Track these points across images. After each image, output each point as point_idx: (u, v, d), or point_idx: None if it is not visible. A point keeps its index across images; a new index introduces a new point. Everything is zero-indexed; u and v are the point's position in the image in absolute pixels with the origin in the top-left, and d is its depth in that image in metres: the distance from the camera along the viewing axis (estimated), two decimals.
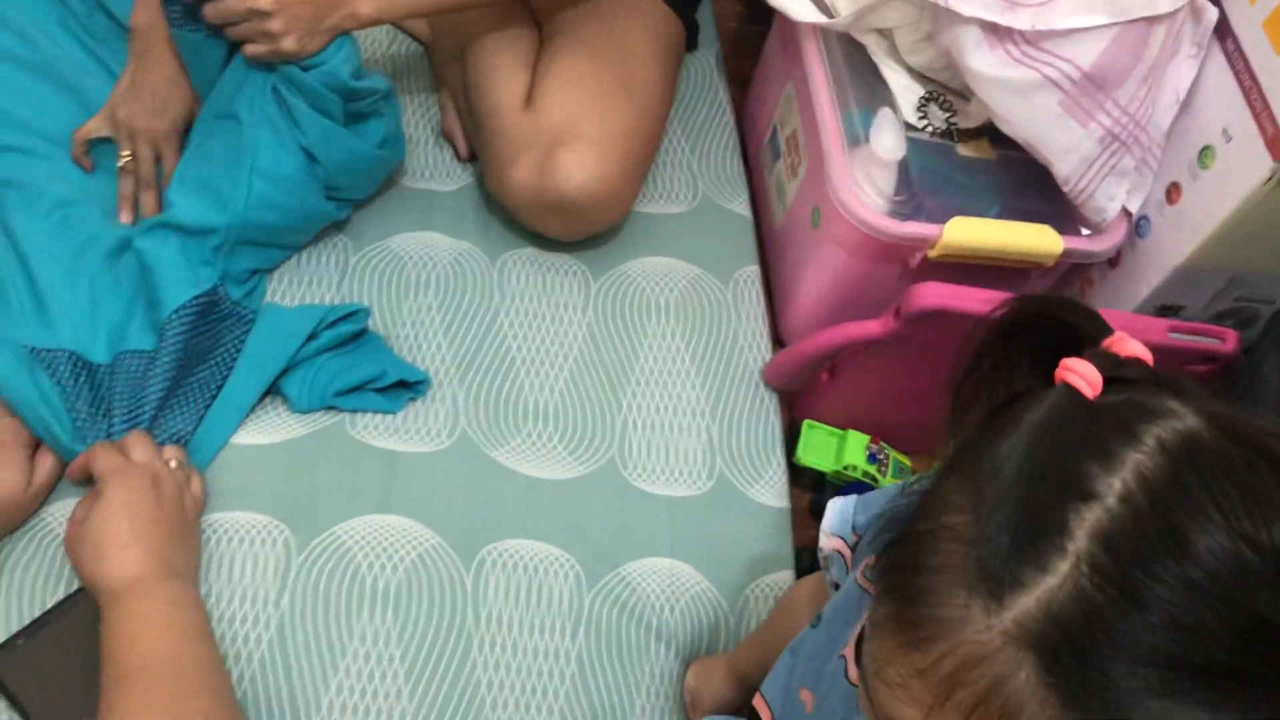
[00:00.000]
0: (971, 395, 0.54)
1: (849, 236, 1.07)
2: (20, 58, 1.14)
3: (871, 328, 1.04)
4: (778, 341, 1.20)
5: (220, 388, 1.00)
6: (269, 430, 0.99)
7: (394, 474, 0.98)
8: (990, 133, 1.12)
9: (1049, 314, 0.53)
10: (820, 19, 1.11)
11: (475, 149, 1.19)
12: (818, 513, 1.16)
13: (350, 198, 1.11)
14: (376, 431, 1.00)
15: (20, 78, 1.13)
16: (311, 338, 1.01)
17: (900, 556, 0.48)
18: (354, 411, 1.01)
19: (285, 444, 0.98)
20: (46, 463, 0.92)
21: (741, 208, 1.25)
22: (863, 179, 1.06)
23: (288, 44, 0.99)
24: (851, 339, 1.05)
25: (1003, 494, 0.45)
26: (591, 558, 0.98)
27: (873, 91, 1.13)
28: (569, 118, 1.09)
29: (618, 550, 0.99)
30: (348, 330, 1.03)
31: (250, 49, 1.01)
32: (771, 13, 1.20)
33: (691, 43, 1.31)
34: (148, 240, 1.03)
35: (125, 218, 1.09)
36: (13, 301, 1.00)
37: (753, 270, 1.21)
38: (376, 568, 0.93)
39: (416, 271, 1.12)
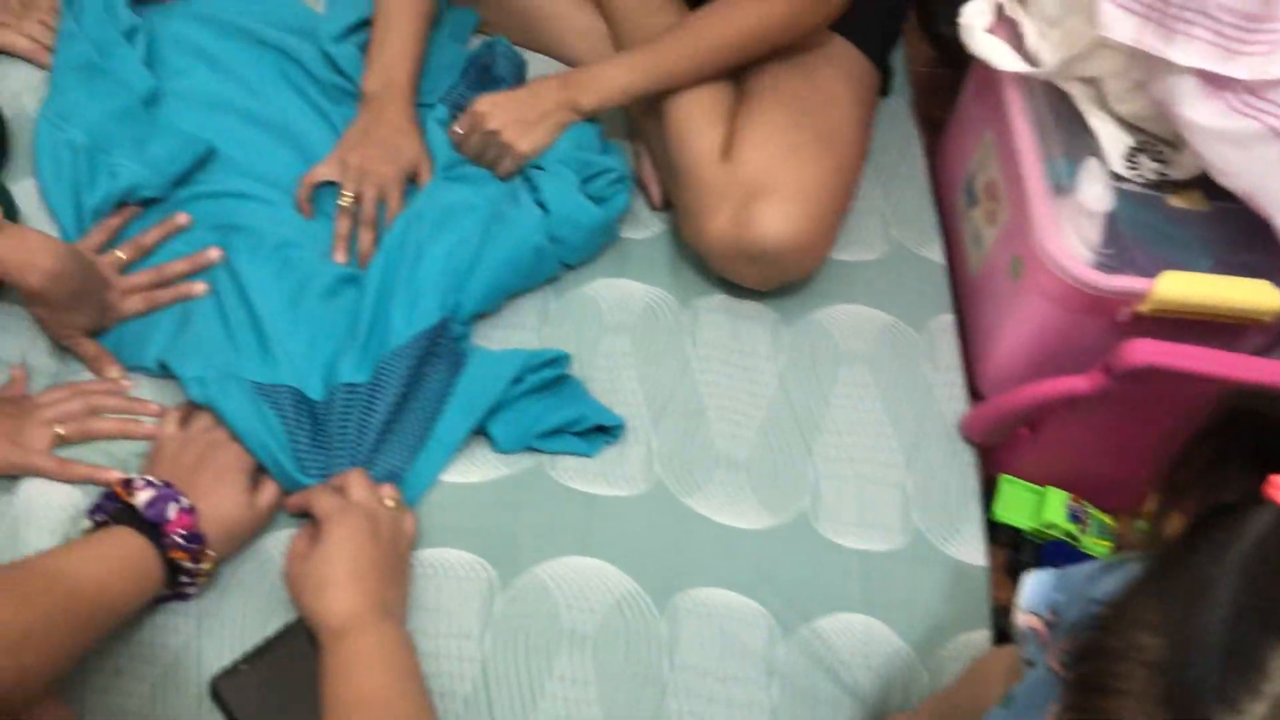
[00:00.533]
0: (1180, 490, 0.53)
1: (1053, 288, 1.04)
2: (246, 109, 1.22)
3: (1078, 384, 1.01)
4: (974, 392, 1.17)
5: (429, 425, 1.04)
6: (474, 469, 1.02)
7: (592, 517, 1.00)
8: (1204, 184, 1.08)
9: (1264, 414, 0.51)
10: (1024, 68, 1.10)
11: (670, 198, 1.21)
12: (1015, 571, 1.13)
13: (572, 262, 1.16)
14: (575, 474, 1.03)
15: (246, 128, 1.21)
16: (515, 381, 1.05)
17: (1087, 673, 0.46)
18: (554, 454, 1.04)
19: (489, 483, 1.01)
20: (268, 490, 0.97)
21: (935, 254, 1.24)
22: (1069, 230, 1.04)
23: (523, 147, 1.11)
24: (1057, 395, 1.02)
25: (1198, 623, 0.43)
26: (784, 610, 0.97)
27: (1077, 140, 1.11)
28: (767, 170, 1.10)
29: (810, 603, 0.98)
30: (550, 375, 1.05)
31: (501, 168, 1.14)
32: (965, 57, 1.19)
33: (885, 88, 1.31)
34: (380, 275, 1.08)
35: (340, 257, 1.14)
36: (239, 340, 1.06)
37: (948, 319, 1.19)
38: (575, 609, 0.95)
39: (612, 317, 1.14)
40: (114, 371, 1.05)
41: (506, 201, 1.13)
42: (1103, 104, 1.10)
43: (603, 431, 1.05)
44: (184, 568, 0.87)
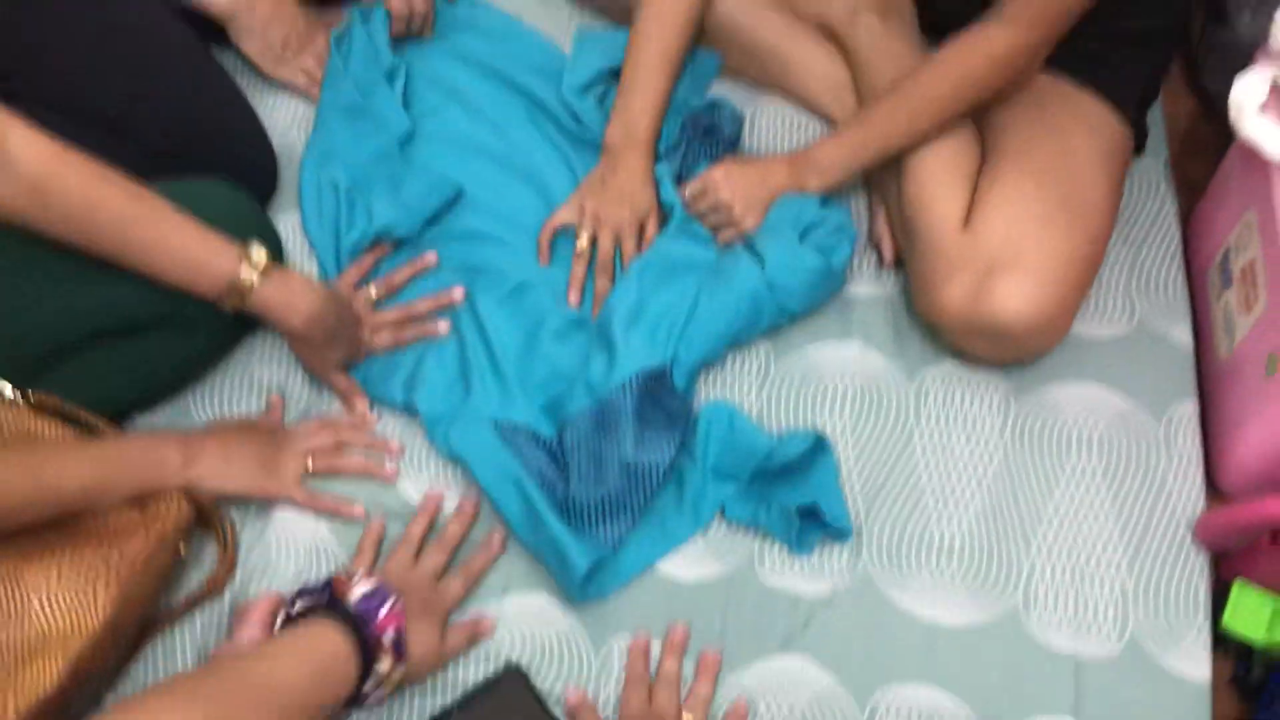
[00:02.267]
0: None
1: None
2: (493, 151, 1.27)
3: None
4: (1212, 488, 1.11)
5: (656, 485, 1.06)
6: (683, 561, 1.05)
7: (795, 616, 1.02)
8: None
9: None
10: None
11: (904, 258, 1.19)
12: (1243, 688, 1.07)
13: (794, 310, 1.16)
14: (783, 570, 1.04)
15: (492, 169, 1.26)
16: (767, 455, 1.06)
17: None
18: (763, 542, 1.05)
19: (697, 583, 1.04)
20: (457, 635, 0.99)
21: (1182, 335, 1.17)
22: None
23: (749, 224, 1.14)
24: None
25: None
26: (989, 713, 0.96)
27: None
28: (1009, 242, 1.06)
29: (1017, 708, 0.97)
30: (802, 450, 1.05)
31: (722, 236, 1.16)
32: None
33: (1140, 146, 1.24)
34: (608, 323, 1.12)
35: (574, 298, 1.18)
36: (477, 380, 1.12)
37: (1190, 408, 1.13)
38: (774, 708, 0.97)
39: (834, 382, 1.14)
40: (361, 405, 1.12)
41: (726, 259, 1.14)
42: None
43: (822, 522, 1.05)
44: (379, 671, 0.89)
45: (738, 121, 1.26)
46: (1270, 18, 1.22)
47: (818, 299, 1.16)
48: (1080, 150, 1.13)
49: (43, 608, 0.89)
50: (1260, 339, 1.07)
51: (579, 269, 1.19)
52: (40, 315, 1.00)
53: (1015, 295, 1.04)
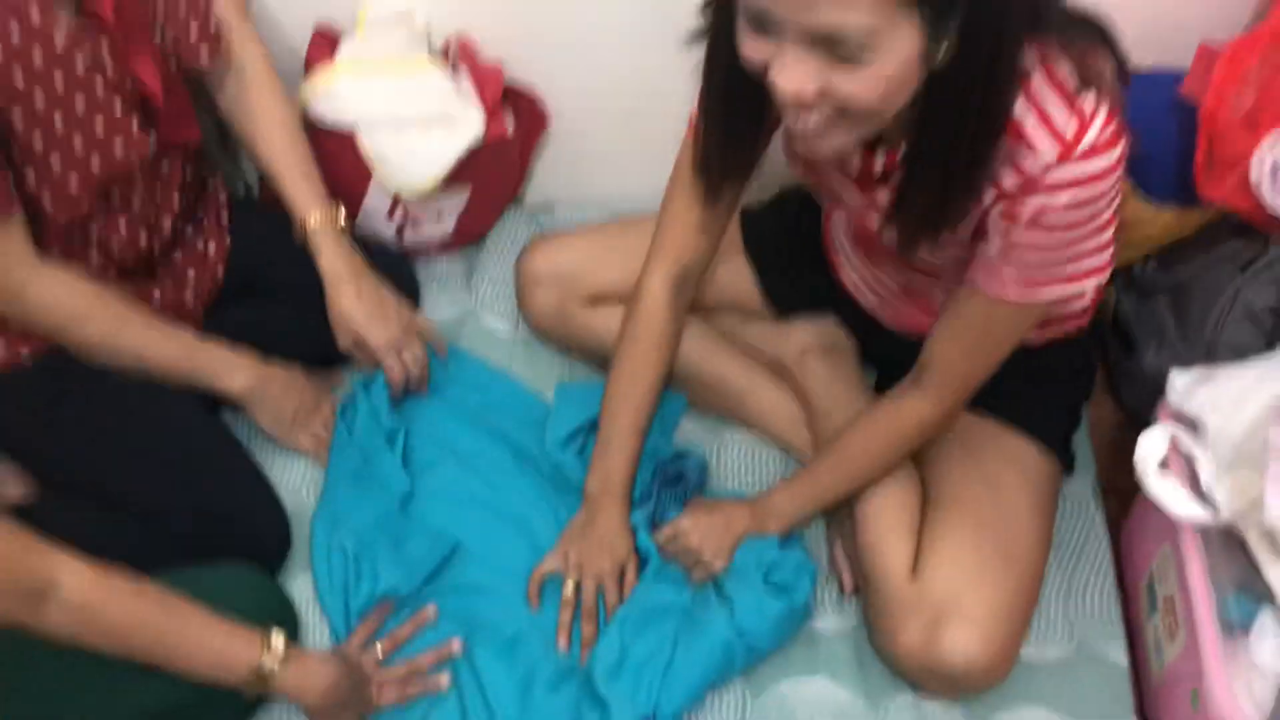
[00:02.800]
0: None
1: None
2: (485, 502, 1.40)
3: None
4: None
5: None
6: None
7: None
8: None
9: None
10: (1198, 515, 1.15)
11: (861, 591, 1.31)
12: None
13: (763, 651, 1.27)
14: None
15: (485, 520, 1.39)
16: None
17: None
18: None
19: None
20: None
21: (1119, 655, 1.29)
22: (1241, 688, 1.08)
23: (718, 566, 1.27)
24: None
25: None
26: None
27: (1256, 578, 1.15)
28: (953, 593, 1.19)
29: None
30: None
31: (694, 576, 1.29)
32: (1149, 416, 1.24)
33: (1069, 466, 1.37)
34: (594, 674, 1.23)
35: (562, 643, 1.29)
36: None
37: None
38: None
39: (805, 718, 1.24)
40: None
41: (698, 603, 1.27)
42: (1278, 550, 1.14)
43: None
44: None
45: (702, 469, 1.40)
46: (1172, 356, 1.38)
47: (785, 636, 1.28)
48: (1012, 495, 1.26)
49: None
50: (1183, 674, 1.18)
51: (565, 616, 1.30)
52: (84, 708, 1.12)
53: (961, 644, 1.16)
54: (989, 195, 1.02)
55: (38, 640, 1.03)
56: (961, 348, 1.16)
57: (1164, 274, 1.44)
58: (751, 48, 0.94)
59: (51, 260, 1.23)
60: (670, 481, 1.37)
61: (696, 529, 1.29)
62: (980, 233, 1.07)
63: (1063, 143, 0.96)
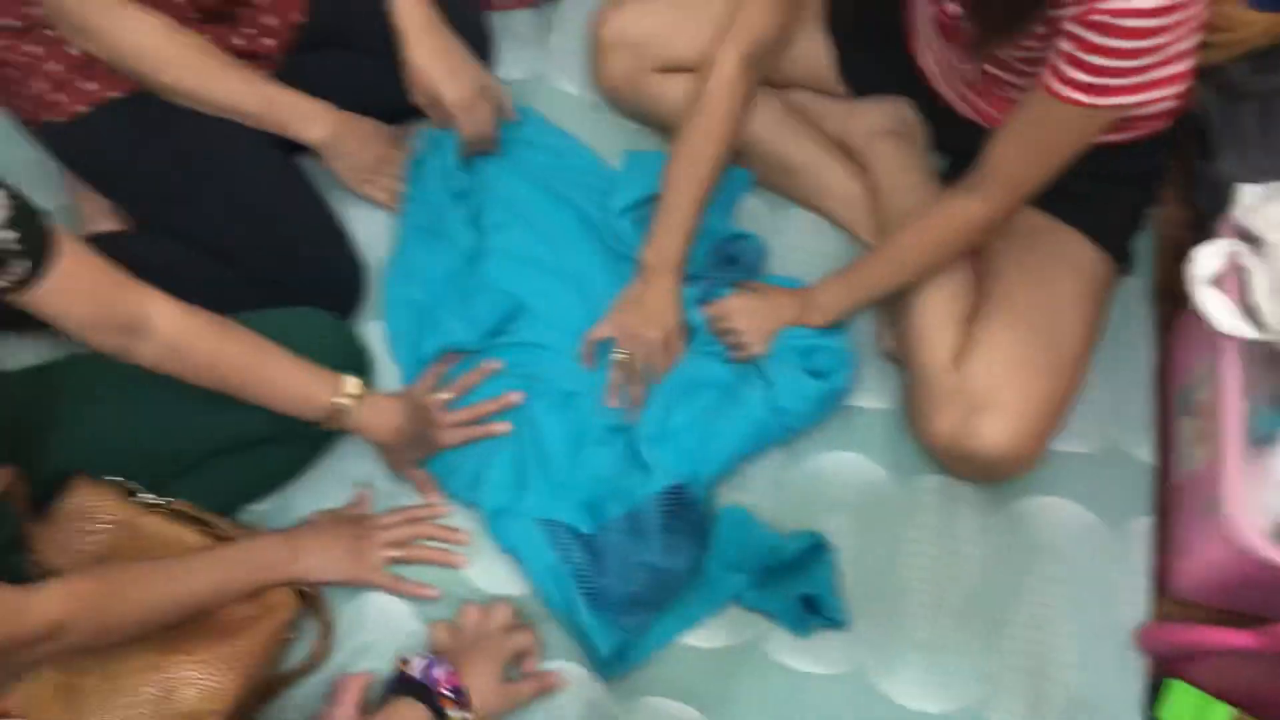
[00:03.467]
0: None
1: (1240, 545, 1.14)
2: (548, 264, 1.46)
3: (1246, 641, 1.12)
4: (1163, 591, 1.29)
5: (681, 580, 1.26)
6: (701, 633, 1.25)
7: (795, 692, 1.22)
8: None
9: None
10: (1243, 330, 1.17)
11: (899, 363, 1.36)
12: None
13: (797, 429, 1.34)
14: (787, 650, 1.25)
15: (547, 282, 1.45)
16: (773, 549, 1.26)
17: None
18: (770, 625, 1.25)
19: (712, 651, 1.25)
20: (525, 687, 1.17)
21: (1145, 455, 1.34)
22: (1256, 498, 1.13)
23: (758, 350, 1.31)
24: (1226, 647, 1.13)
25: None
26: None
27: None
28: (993, 384, 1.23)
29: None
30: (804, 547, 1.26)
31: (734, 356, 1.33)
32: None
33: (1125, 269, 1.38)
34: (641, 434, 1.32)
35: (612, 403, 1.37)
36: (528, 478, 1.32)
37: (1145, 523, 1.30)
38: None
39: (835, 492, 1.33)
40: (435, 497, 1.34)
41: (740, 379, 1.33)
42: None
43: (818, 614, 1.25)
44: (450, 716, 1.11)
45: (759, 253, 1.43)
46: (1250, 164, 1.36)
47: (821, 415, 1.35)
48: (1064, 294, 1.28)
49: (186, 694, 1.12)
50: (1209, 477, 1.23)
51: (615, 377, 1.37)
52: (174, 436, 1.23)
53: (995, 434, 1.22)
54: None
55: (127, 368, 1.12)
56: (1021, 149, 1.15)
57: (1254, 78, 1.40)
58: None
59: (135, 3, 1.25)
60: (725, 262, 1.41)
61: (742, 311, 1.34)
62: (1053, 33, 1.05)
63: None
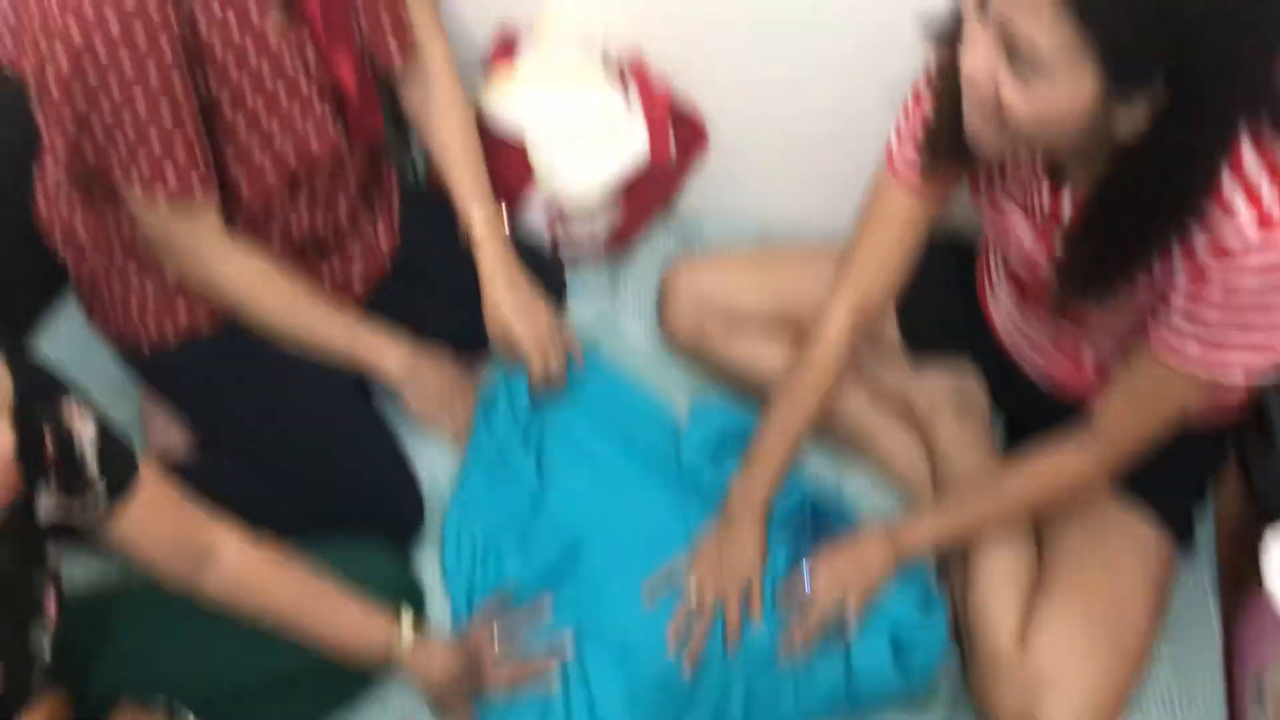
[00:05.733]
0: None
1: None
2: (612, 508, 1.44)
3: None
4: None
5: None
6: None
7: None
8: None
9: None
10: None
11: (967, 652, 1.34)
12: None
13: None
14: None
15: (612, 525, 1.42)
16: None
17: None
18: None
19: None
20: None
21: None
22: None
23: (856, 607, 1.27)
24: None
25: None
26: None
27: None
28: (1058, 668, 1.20)
29: None
30: None
31: (845, 631, 1.28)
32: None
33: (1186, 544, 1.36)
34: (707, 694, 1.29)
35: (671, 645, 1.31)
36: None
37: None
38: None
39: None
40: None
41: (818, 651, 1.29)
42: None
43: None
44: None
45: (848, 520, 1.42)
46: None
47: (895, 700, 1.31)
48: (1128, 575, 1.27)
49: None
50: None
51: (680, 623, 1.33)
52: (227, 668, 1.21)
53: (1060, 716, 1.18)
54: (1179, 257, 1.01)
55: (184, 600, 1.12)
56: (1132, 407, 1.15)
57: None
58: (970, 28, 0.97)
59: (238, 240, 1.32)
60: (816, 527, 1.40)
61: (834, 580, 1.29)
62: (1161, 296, 1.07)
63: (1266, 221, 0.95)
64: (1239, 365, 1.05)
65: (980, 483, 1.30)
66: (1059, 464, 1.23)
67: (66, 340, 1.64)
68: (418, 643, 1.21)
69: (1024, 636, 1.25)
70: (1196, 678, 1.33)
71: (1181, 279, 1.02)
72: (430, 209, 1.53)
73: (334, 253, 1.46)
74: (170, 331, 1.37)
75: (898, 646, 1.28)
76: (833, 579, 1.29)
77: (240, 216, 1.31)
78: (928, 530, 1.31)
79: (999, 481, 1.29)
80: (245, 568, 1.13)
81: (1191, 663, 1.35)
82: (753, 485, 1.35)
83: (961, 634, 1.34)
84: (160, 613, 1.20)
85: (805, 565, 1.31)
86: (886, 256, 1.28)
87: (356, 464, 1.40)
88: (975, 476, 1.38)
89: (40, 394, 0.95)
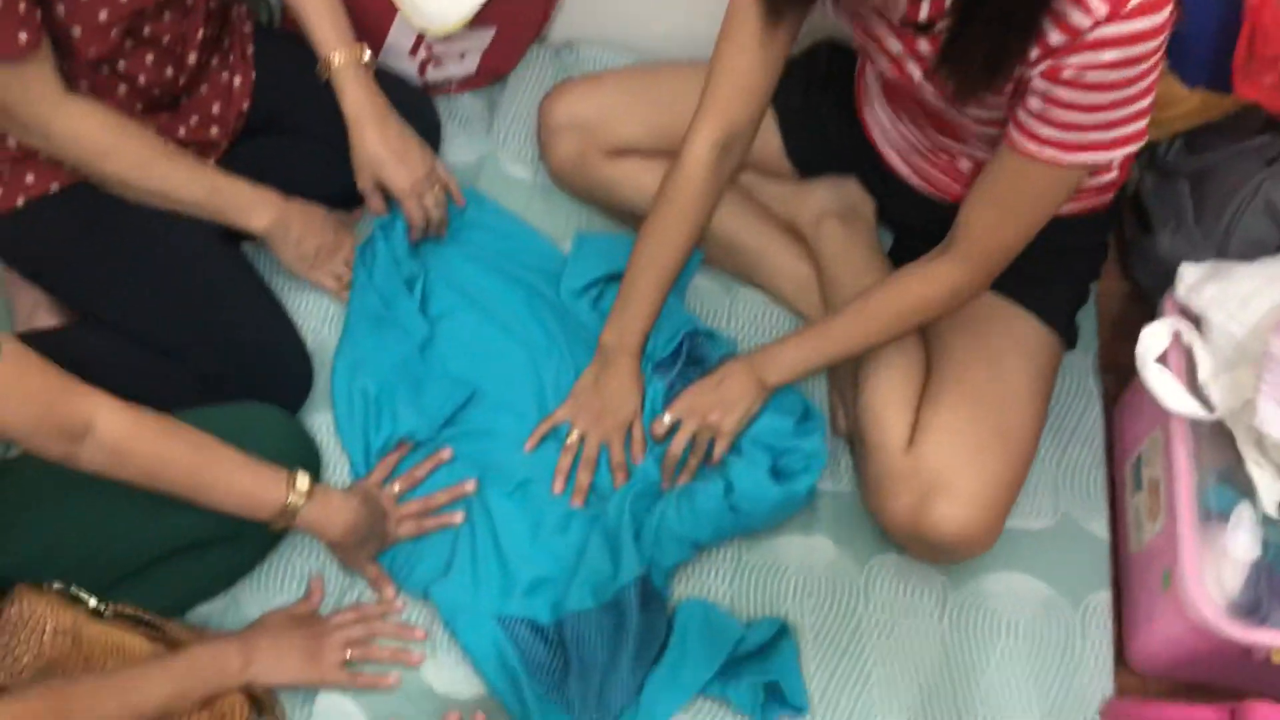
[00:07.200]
0: None
1: (1193, 620, 1.15)
2: (500, 350, 1.44)
3: (1208, 716, 1.12)
4: (1125, 666, 1.30)
5: (648, 672, 1.24)
6: None
7: None
8: None
9: None
10: (1191, 409, 1.19)
11: (854, 454, 1.37)
12: None
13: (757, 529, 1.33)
14: None
15: (501, 366, 1.43)
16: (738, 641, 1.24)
17: None
18: (734, 715, 1.24)
19: None
20: None
21: (1099, 529, 1.35)
22: (1210, 574, 1.14)
23: (729, 425, 1.29)
24: None
25: None
26: None
27: (1238, 469, 1.20)
28: (946, 468, 1.23)
29: None
30: (767, 638, 1.25)
31: (714, 456, 1.30)
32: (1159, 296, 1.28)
33: (1071, 342, 1.40)
34: (601, 524, 1.31)
35: (558, 488, 1.35)
36: (483, 571, 1.30)
37: (1104, 598, 1.31)
38: None
39: (797, 576, 1.32)
40: (389, 592, 1.31)
41: (698, 476, 1.32)
42: (1263, 449, 1.18)
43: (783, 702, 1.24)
44: None
45: (730, 351, 1.42)
46: (1187, 241, 1.40)
47: (778, 520, 1.34)
48: (1013, 374, 1.29)
49: None
50: (1159, 552, 1.25)
51: (564, 462, 1.35)
52: (119, 541, 1.19)
53: (950, 519, 1.21)
54: (1034, 53, 1.01)
55: (71, 472, 1.08)
56: (997, 213, 1.14)
57: (1188, 157, 1.44)
58: None
59: (79, 95, 1.23)
60: (692, 361, 1.40)
61: (695, 408, 1.31)
62: (1019, 92, 1.06)
63: (1116, 4, 0.95)
64: (1091, 160, 1.06)
65: (850, 305, 1.27)
66: (928, 278, 1.21)
67: None
68: (316, 495, 1.20)
69: (913, 441, 1.27)
70: (1081, 467, 1.39)
71: (1038, 72, 1.01)
72: (288, 51, 1.45)
73: (188, 105, 1.38)
74: (18, 196, 1.29)
75: (776, 463, 1.30)
76: (691, 412, 1.30)
77: (78, 70, 1.23)
78: (790, 358, 1.29)
79: (867, 302, 1.25)
80: (123, 437, 1.09)
81: (1076, 454, 1.40)
82: (625, 327, 1.34)
83: (854, 443, 1.37)
84: (47, 487, 1.17)
85: (665, 405, 1.33)
86: (745, 83, 1.23)
87: (237, 325, 1.35)
88: (850, 293, 1.38)
89: None
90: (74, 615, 1.15)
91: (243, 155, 1.43)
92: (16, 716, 0.96)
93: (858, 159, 1.44)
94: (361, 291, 1.43)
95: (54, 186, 1.30)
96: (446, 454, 1.37)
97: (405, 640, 1.28)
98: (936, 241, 1.27)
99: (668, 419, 1.32)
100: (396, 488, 1.34)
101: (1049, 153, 1.06)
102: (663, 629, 1.26)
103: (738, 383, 1.31)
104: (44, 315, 1.42)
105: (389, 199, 1.45)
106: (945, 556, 1.28)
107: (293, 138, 1.48)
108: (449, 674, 1.26)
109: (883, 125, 1.37)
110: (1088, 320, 1.47)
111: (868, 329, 1.27)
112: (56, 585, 1.17)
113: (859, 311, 1.27)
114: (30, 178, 1.29)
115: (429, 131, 1.53)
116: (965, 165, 1.29)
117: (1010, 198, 1.13)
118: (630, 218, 1.52)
